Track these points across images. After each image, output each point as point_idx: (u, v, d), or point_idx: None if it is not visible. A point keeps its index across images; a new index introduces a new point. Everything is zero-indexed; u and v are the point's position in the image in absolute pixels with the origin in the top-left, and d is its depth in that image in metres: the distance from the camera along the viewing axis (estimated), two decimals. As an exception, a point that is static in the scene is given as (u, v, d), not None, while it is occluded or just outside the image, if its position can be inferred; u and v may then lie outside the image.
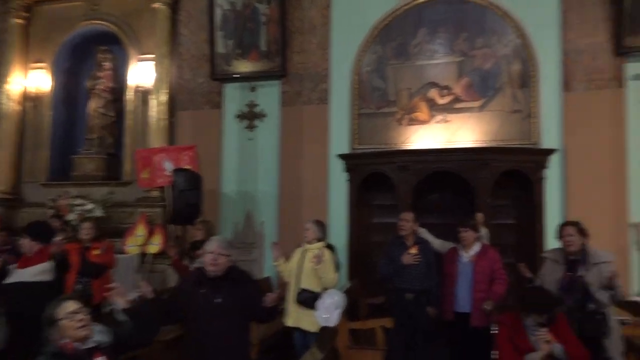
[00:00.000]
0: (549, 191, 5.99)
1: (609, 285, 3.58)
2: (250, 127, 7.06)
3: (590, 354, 3.29)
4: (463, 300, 4.45)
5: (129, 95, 7.60)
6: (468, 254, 4.58)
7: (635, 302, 4.36)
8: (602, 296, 3.62)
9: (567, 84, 6.04)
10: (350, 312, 5.75)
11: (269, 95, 6.99)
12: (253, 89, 6.99)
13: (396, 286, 4.62)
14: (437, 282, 4.58)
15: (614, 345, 3.71)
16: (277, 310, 3.29)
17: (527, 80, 6.20)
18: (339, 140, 6.64)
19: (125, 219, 7.02)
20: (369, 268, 5.91)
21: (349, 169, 6.53)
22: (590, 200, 5.81)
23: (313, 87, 6.76)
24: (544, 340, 3.15)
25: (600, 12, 5.99)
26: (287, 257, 4.56)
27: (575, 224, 3.87)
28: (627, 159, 5.82)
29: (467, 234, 4.58)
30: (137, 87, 7.50)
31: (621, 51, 5.86)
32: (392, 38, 6.59)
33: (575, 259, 3.75)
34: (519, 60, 6.23)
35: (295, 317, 4.37)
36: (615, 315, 4.97)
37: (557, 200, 5.99)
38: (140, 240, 6.34)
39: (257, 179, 6.98)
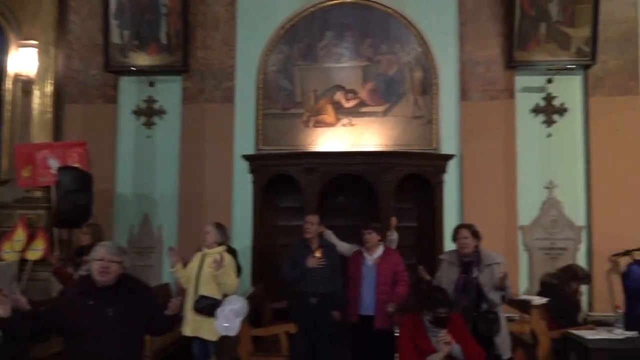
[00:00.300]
0: (447, 195, 6.24)
1: (500, 286, 3.75)
2: (149, 124, 6.62)
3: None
4: (367, 303, 4.48)
5: (8, 84, 6.81)
6: (372, 257, 4.61)
7: (523, 300, 4.62)
8: (494, 296, 3.79)
9: (464, 93, 6.34)
10: (254, 317, 5.58)
11: (169, 91, 6.60)
12: (152, 84, 6.56)
13: (300, 290, 4.53)
14: (341, 286, 4.56)
15: (503, 342, 3.91)
16: (177, 319, 3.06)
17: (428, 87, 6.43)
18: (244, 141, 6.44)
19: (1, 222, 6.26)
20: (274, 272, 5.77)
21: (254, 170, 6.35)
22: (484, 204, 6.13)
23: (217, 85, 6.48)
24: (444, 342, 3.21)
25: (493, 27, 6.36)
26: (188, 262, 4.30)
27: (469, 226, 4.03)
28: (517, 165, 6.22)
29: (370, 236, 4.62)
30: (18, 75, 6.74)
31: (511, 64, 6.26)
32: (299, 39, 6.52)
33: (469, 261, 3.90)
34: (420, 68, 6.44)
35: (194, 325, 4.14)
36: (504, 314, 5.30)
37: (455, 204, 6.25)
38: (19, 246, 5.72)
39: (155, 180, 6.56)
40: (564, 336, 4.22)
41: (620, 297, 5.27)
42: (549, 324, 4.49)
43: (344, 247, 4.96)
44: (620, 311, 4.19)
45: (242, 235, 6.21)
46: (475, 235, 3.95)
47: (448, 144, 6.32)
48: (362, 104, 6.44)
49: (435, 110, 6.39)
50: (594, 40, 6.12)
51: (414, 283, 4.50)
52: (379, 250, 4.65)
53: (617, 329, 4.11)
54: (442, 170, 6.27)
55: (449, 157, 6.27)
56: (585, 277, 4.77)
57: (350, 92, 6.46)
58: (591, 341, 3.90)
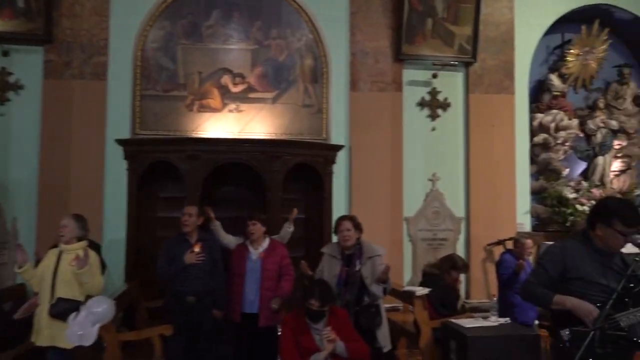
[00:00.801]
0: (336, 186, 6.16)
1: (382, 278, 3.67)
2: (1, 100, 5.71)
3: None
4: (251, 300, 4.19)
5: None
6: (257, 251, 4.34)
7: (407, 291, 4.65)
8: (376, 289, 3.70)
9: (353, 84, 6.29)
10: (128, 318, 5.05)
11: (27, 64, 5.74)
12: (6, 54, 5.65)
13: (177, 289, 4.13)
14: (223, 282, 4.23)
15: (384, 334, 3.87)
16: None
17: (318, 76, 6.28)
18: (118, 124, 5.81)
19: None
20: (151, 268, 5.26)
21: (130, 157, 5.75)
22: (371, 196, 6.14)
23: (86, 59, 5.76)
24: (327, 339, 3.04)
25: (383, 19, 6.37)
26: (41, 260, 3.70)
27: (351, 218, 3.92)
28: (403, 157, 6.31)
29: (255, 228, 4.33)
30: None
31: (400, 57, 6.32)
32: (183, 15, 6.02)
33: (351, 254, 3.78)
34: (311, 55, 6.27)
35: (49, 334, 3.56)
36: (386, 305, 5.32)
37: (343, 195, 6.20)
38: None
39: (8, 165, 5.68)
40: (444, 325, 4.29)
41: (494, 285, 5.53)
42: (430, 314, 4.56)
43: (229, 240, 4.63)
44: (495, 299, 4.35)
45: (115, 227, 5.62)
46: (358, 227, 3.83)
47: (337, 134, 6.24)
48: (250, 89, 6.12)
49: (325, 99, 6.27)
50: (474, 39, 6.39)
51: (299, 277, 4.31)
52: (265, 243, 4.38)
53: (492, 316, 4.27)
54: (332, 160, 6.18)
55: (338, 147, 6.19)
56: (464, 266, 4.91)
57: (238, 76, 6.11)
58: (469, 329, 3.99)
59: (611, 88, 7.31)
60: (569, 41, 7.10)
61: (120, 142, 5.75)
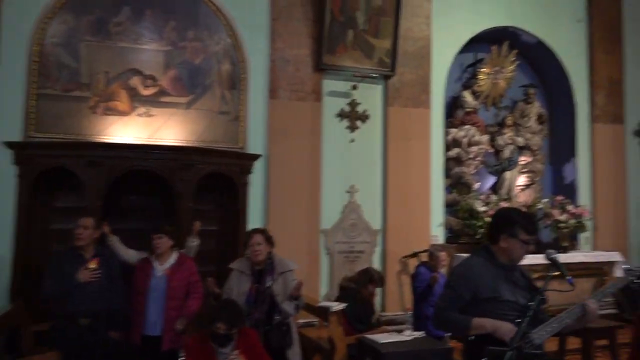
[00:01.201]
0: (252, 197, 5.93)
1: (295, 295, 3.51)
2: None
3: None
4: (153, 321, 3.87)
5: None
6: (162, 267, 4.02)
7: (323, 307, 4.51)
8: (288, 307, 3.53)
9: (273, 91, 6.12)
10: (10, 344, 4.48)
11: None
12: None
13: (68, 310, 3.70)
14: (121, 301, 3.86)
15: (295, 353, 3.71)
16: None
17: (236, 82, 6.04)
18: (8, 125, 5.19)
19: None
20: (40, 286, 4.72)
21: (21, 162, 5.16)
22: (289, 207, 5.98)
23: (-31, 51, 5.13)
24: (235, 364, 2.82)
25: (304, 27, 6.27)
26: None
27: (262, 231, 3.73)
28: (321, 169, 6.21)
29: (161, 242, 4.03)
30: None
31: (320, 67, 6.24)
32: (88, 10, 5.54)
33: (262, 269, 3.59)
34: (229, 60, 6.02)
35: None
36: (301, 320, 5.16)
37: (260, 207, 5.98)
38: None
39: None
40: (359, 341, 4.19)
41: (410, 298, 5.54)
42: (346, 329, 4.46)
43: (130, 255, 4.26)
44: (410, 312, 4.33)
45: (0, 240, 5.00)
46: (269, 241, 3.65)
47: (255, 143, 6.02)
48: (162, 92, 5.75)
49: (243, 106, 6.03)
50: (394, 53, 6.45)
51: (206, 294, 4.03)
52: (172, 259, 4.08)
53: (407, 330, 4.23)
54: (248, 170, 5.94)
55: (255, 156, 5.97)
56: (381, 279, 4.88)
57: (149, 79, 5.72)
58: (383, 345, 3.92)
59: (518, 107, 7.71)
60: (481, 60, 7.40)
61: (9, 145, 5.15)
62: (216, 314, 2.96)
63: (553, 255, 2.37)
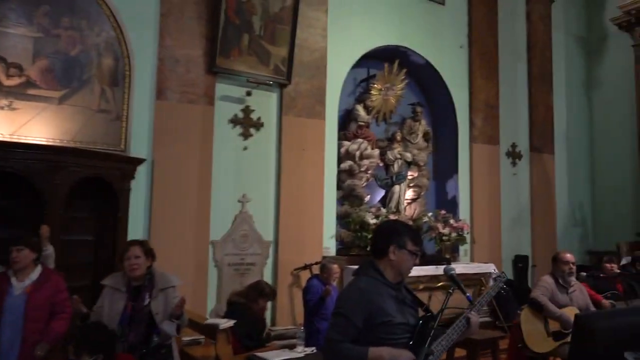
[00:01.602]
0: (134, 204, 5.42)
1: (175, 314, 3.15)
2: None
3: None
4: (9, 347, 3.28)
5: None
6: (22, 284, 3.45)
7: (210, 325, 4.17)
8: (168, 327, 3.15)
9: (160, 92, 5.69)
10: None
11: None
12: None
13: None
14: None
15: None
16: None
17: (119, 79, 5.52)
18: None
19: None
20: None
21: None
22: (175, 216, 5.56)
23: None
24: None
25: (197, 26, 5.94)
26: None
27: (141, 243, 3.31)
28: (212, 177, 5.88)
29: (21, 255, 3.45)
30: None
31: (213, 70, 5.94)
32: (-62, -19, 4.74)
33: (139, 285, 3.19)
34: (112, 54, 5.50)
35: None
36: (186, 337, 4.77)
37: (142, 215, 5.49)
38: None
39: None
40: (248, 358, 3.93)
41: (301, 311, 5.38)
42: (235, 347, 4.16)
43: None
44: (302, 328, 4.16)
45: None
46: (149, 253, 3.25)
47: (139, 146, 5.53)
48: (29, 84, 5.06)
49: (126, 106, 5.52)
50: (289, 61, 6.35)
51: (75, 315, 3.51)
52: (34, 274, 3.50)
53: (299, 346, 4.05)
54: (130, 175, 5.43)
55: (139, 161, 5.48)
56: (272, 293, 4.65)
57: (14, 67, 5.01)
58: (275, 363, 3.71)
59: (406, 123, 8.00)
60: (374, 76, 7.58)
61: None
62: (78, 341, 2.54)
63: (452, 272, 2.31)
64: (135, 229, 5.35)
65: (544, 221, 8.83)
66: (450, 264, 6.87)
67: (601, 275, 5.18)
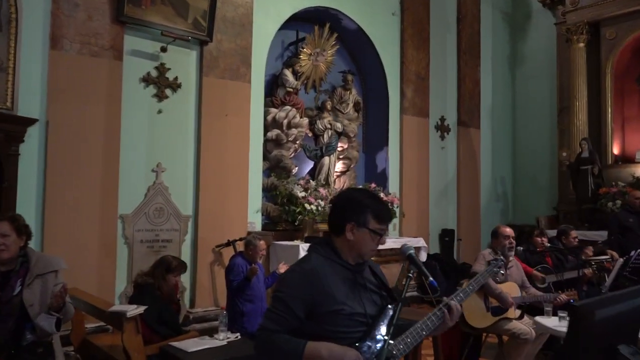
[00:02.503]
0: (24, 172, 4.60)
1: (54, 305, 2.54)
2: None
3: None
4: None
5: None
6: None
7: (116, 312, 3.55)
8: (45, 321, 2.53)
9: (55, 41, 4.82)
10: None
11: None
12: None
13: None
14: None
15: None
16: None
17: (3, 22, 4.61)
18: None
19: None
20: None
21: None
22: (75, 187, 4.81)
23: None
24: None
25: (102, -32, 5.10)
26: None
27: (12, 219, 2.66)
28: (120, 142, 5.15)
29: None
30: None
31: (121, 19, 5.15)
32: None
33: (9, 270, 2.55)
34: (-6, -8, 4.56)
35: None
36: (91, 325, 4.13)
37: (34, 185, 4.68)
38: None
39: None
40: (162, 351, 3.39)
41: (223, 292, 4.89)
42: (147, 336, 3.59)
43: None
44: (225, 312, 3.67)
45: None
46: (22, 231, 2.60)
47: (29, 104, 4.68)
48: None
49: (13, 55, 4.63)
50: (211, 15, 5.68)
51: None
52: None
53: (221, 332, 3.57)
54: (19, 138, 4.59)
55: (29, 121, 4.64)
56: (181, 266, 4.00)
57: None
58: (191, 355, 3.21)
59: (337, 92, 7.60)
60: (303, 39, 7.07)
61: None
62: None
63: (411, 252, 1.87)
64: (26, 202, 4.56)
65: (469, 195, 8.87)
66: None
67: (531, 249, 5.11)
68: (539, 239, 5.14)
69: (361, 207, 1.86)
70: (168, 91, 5.54)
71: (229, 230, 5.74)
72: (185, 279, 5.42)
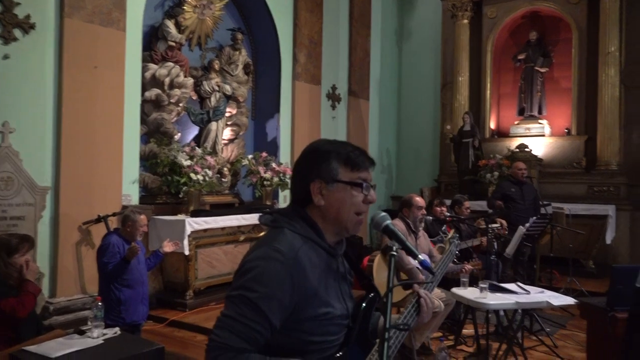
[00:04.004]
0: None
1: None
2: None
3: None
4: None
5: None
6: None
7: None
8: None
9: None
10: None
11: None
12: None
13: None
14: None
15: None
16: None
17: None
18: None
19: None
20: None
21: None
22: None
23: None
24: None
25: None
26: None
27: None
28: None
29: None
30: None
31: None
32: None
33: None
34: None
35: None
36: None
37: None
38: None
39: None
40: (14, 358, 2.62)
41: (94, 277, 4.09)
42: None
43: None
44: (101, 304, 2.96)
45: None
46: None
47: None
48: None
49: None
50: (75, -56, 4.66)
51: None
52: None
53: (95, 328, 2.87)
54: None
55: None
56: (23, 240, 3.14)
57: None
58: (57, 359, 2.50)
59: (225, 51, 6.89)
60: (188, -12, 6.23)
61: None
62: None
63: (388, 223, 1.37)
64: None
65: (358, 167, 8.76)
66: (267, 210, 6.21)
67: (433, 219, 5.04)
68: (438, 209, 5.07)
69: (322, 155, 1.35)
70: (17, 32, 4.45)
71: (99, 204, 4.88)
72: (42, 263, 4.50)
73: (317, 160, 1.35)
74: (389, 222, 1.37)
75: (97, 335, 2.83)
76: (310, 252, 1.30)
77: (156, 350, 2.74)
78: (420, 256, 1.34)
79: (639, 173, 7.78)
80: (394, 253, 1.32)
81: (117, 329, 2.99)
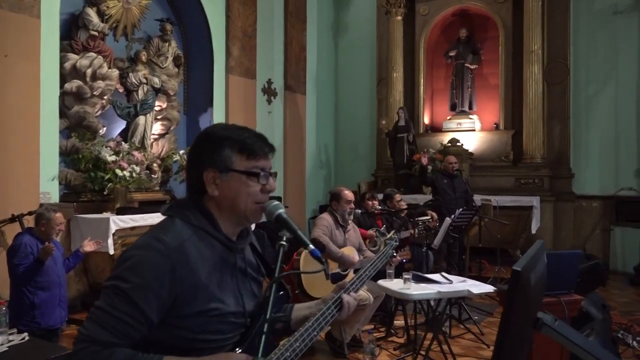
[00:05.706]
0: None
1: None
2: None
3: None
4: None
5: None
6: None
7: None
8: None
9: None
10: None
11: None
12: None
13: None
14: None
15: None
16: None
17: None
18: None
19: None
20: None
21: None
22: None
23: None
24: None
25: None
26: None
27: None
28: None
29: None
30: None
31: None
32: None
33: None
34: None
35: None
36: None
37: None
38: None
39: None
40: None
41: (5, 281, 3.81)
42: None
43: None
44: (5, 308, 2.75)
45: None
46: None
47: None
48: None
49: None
50: None
51: None
52: None
53: (0, 336, 2.67)
54: None
55: None
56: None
57: None
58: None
59: (153, 43, 6.63)
60: (110, -25, 5.93)
61: None
62: None
63: (281, 211, 1.31)
64: None
65: (295, 162, 8.72)
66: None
67: (363, 212, 5.07)
68: (370, 202, 5.12)
69: (215, 142, 1.27)
70: None
71: (14, 202, 4.56)
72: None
73: (210, 148, 1.27)
74: (281, 210, 1.31)
75: (2, 342, 2.63)
76: (200, 244, 1.22)
77: (66, 355, 2.57)
78: (310, 246, 1.29)
79: (561, 165, 8.21)
80: (283, 243, 1.27)
81: (25, 335, 2.79)
